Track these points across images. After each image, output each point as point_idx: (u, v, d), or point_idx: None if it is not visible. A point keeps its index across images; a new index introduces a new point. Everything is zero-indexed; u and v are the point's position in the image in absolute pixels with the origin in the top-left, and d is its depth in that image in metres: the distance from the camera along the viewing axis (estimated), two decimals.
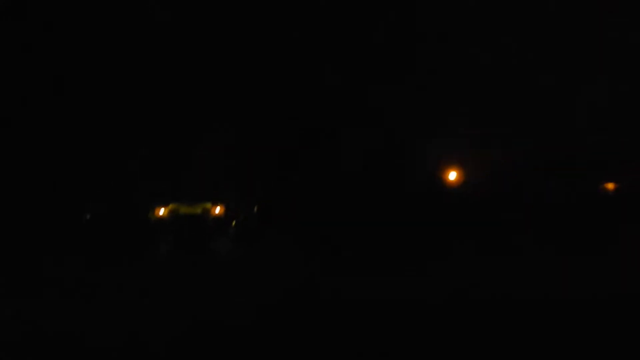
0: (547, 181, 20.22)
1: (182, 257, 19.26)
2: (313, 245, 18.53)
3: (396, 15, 22.73)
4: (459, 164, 21.09)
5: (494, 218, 19.00)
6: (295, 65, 22.81)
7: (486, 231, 18.54)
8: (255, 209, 21.39)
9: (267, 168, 21.84)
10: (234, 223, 21.34)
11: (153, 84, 21.98)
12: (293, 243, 18.67)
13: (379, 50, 22.57)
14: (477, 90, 21.44)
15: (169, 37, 22.05)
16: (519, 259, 16.19)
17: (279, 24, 23.74)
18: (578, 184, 20.37)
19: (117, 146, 21.58)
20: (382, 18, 22.69)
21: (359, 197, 20.07)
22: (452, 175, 21.01)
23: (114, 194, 20.94)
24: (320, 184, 20.55)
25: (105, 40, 22.05)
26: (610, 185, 20.67)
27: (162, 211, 20.96)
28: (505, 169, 20.42)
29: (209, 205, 21.12)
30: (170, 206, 20.93)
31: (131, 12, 22.16)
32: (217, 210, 21.13)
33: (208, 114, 22.47)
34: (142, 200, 20.99)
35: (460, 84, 21.50)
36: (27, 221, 19.45)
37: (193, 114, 22.25)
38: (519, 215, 19.01)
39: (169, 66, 22.12)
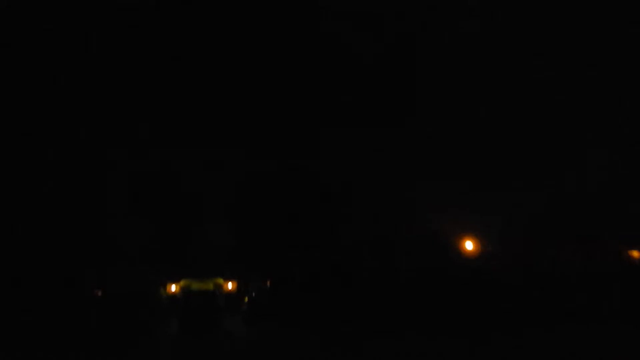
0: (563, 250, 19.52)
1: (194, 337, 18.70)
2: (323, 326, 18.01)
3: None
4: (473, 234, 20.67)
5: (512, 290, 18.47)
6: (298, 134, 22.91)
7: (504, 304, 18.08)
8: (268, 283, 20.94)
9: (277, 242, 21.62)
10: (246, 299, 20.87)
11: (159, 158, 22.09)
12: (304, 323, 18.26)
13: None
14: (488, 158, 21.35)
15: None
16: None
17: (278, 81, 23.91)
18: (599, 252, 19.39)
19: (128, 222, 21.47)
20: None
21: (368, 270, 19.73)
22: (469, 245, 20.52)
23: (125, 270, 20.65)
24: (328, 259, 20.27)
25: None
26: (635, 253, 19.26)
27: (173, 288, 20.58)
28: (519, 238, 19.96)
29: (220, 280, 20.59)
30: (182, 282, 20.44)
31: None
32: (230, 286, 20.74)
33: (215, 190, 22.46)
34: (154, 276, 20.65)
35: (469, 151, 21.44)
36: (40, 297, 19.18)
37: (202, 189, 22.27)
38: (534, 288, 18.42)
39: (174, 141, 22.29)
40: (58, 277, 19.72)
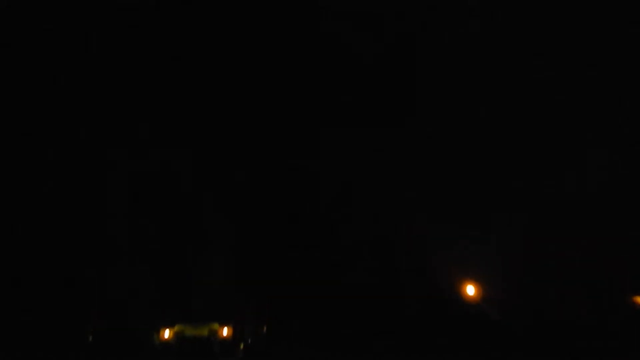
0: (567, 296, 19.08)
1: None
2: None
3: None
4: (476, 277, 20.40)
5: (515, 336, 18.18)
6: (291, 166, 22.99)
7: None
8: (264, 329, 20.56)
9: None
10: (242, 346, 20.46)
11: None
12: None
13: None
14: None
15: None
16: None
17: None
18: (603, 298, 18.90)
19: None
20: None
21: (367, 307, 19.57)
22: (470, 290, 20.21)
23: (118, 315, 20.32)
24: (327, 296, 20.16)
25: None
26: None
27: (167, 333, 19.93)
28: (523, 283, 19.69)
29: (216, 326, 20.03)
30: (176, 328, 19.94)
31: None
32: (225, 331, 20.00)
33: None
34: (147, 321, 20.23)
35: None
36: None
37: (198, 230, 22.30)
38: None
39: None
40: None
